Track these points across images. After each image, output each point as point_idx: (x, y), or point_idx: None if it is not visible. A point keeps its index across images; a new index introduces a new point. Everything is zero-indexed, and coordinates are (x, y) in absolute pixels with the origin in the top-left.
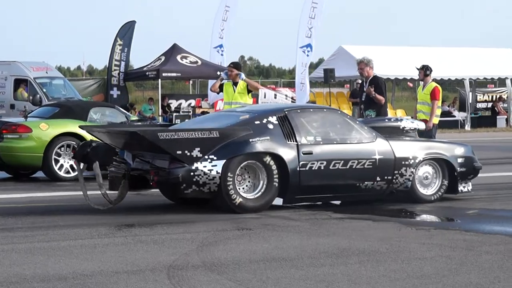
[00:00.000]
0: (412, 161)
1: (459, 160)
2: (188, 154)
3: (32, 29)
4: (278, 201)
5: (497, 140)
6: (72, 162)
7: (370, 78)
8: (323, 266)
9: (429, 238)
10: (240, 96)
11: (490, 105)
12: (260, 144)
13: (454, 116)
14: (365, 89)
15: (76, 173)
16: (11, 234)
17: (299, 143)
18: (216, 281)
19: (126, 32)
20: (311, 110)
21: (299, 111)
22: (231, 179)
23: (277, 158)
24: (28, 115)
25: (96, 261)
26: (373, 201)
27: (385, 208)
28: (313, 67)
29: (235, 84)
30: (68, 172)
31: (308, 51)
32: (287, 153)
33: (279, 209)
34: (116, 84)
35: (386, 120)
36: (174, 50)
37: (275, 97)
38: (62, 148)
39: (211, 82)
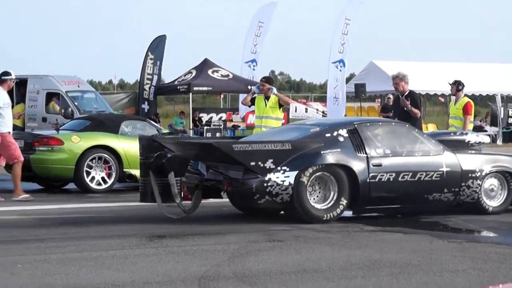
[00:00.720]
0: (479, 173)
1: None
2: (262, 165)
3: (64, 44)
4: (347, 213)
5: None
6: (103, 174)
7: (406, 93)
8: (355, 278)
9: (461, 251)
10: (271, 110)
11: None
12: (331, 156)
13: (486, 131)
14: (402, 99)
15: (107, 185)
16: (43, 244)
17: (369, 155)
18: None
19: (156, 46)
20: (380, 123)
21: (368, 124)
22: (303, 190)
23: (348, 170)
24: (60, 128)
25: (128, 271)
26: (407, 214)
27: (417, 221)
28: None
29: (266, 98)
30: (99, 184)
31: (341, 67)
32: (358, 165)
33: (310, 221)
34: (147, 98)
35: (452, 134)
36: (206, 64)
37: (306, 111)
38: (94, 160)
39: (242, 96)
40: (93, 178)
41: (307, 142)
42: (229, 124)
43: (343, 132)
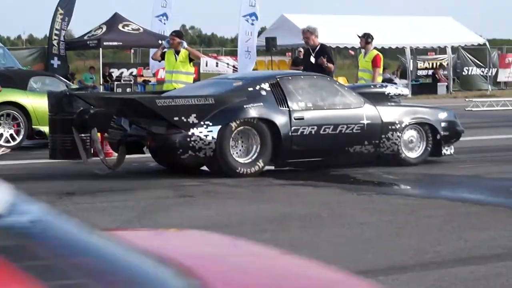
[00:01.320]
0: (398, 125)
1: (443, 124)
2: (185, 120)
3: None
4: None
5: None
6: (12, 131)
7: (317, 47)
8: (265, 232)
9: (371, 203)
10: (181, 64)
11: (431, 72)
12: (254, 110)
13: (396, 83)
14: (312, 58)
15: (16, 142)
16: None
17: (291, 109)
18: None
19: (68, 2)
20: (302, 77)
21: (290, 78)
22: (226, 144)
23: (270, 124)
24: None
25: None
26: (318, 168)
27: (327, 174)
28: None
29: (177, 52)
30: (8, 141)
31: (253, 20)
32: (280, 119)
33: (221, 176)
34: (57, 54)
35: (372, 86)
36: (116, 18)
37: (217, 66)
38: (2, 117)
39: (152, 51)
40: (1, 135)
41: (229, 96)
42: (139, 79)
43: (266, 86)
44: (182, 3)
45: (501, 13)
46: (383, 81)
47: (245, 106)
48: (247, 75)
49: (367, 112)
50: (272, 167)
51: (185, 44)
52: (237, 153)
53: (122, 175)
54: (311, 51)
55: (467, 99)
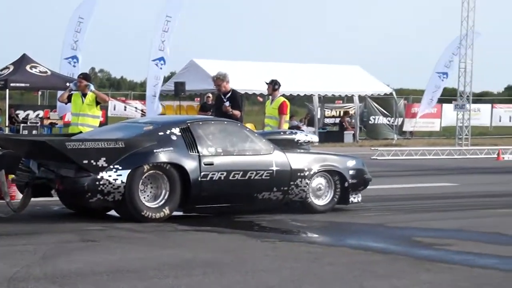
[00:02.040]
0: (307, 172)
1: (351, 172)
2: (94, 163)
3: None
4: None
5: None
6: None
7: (229, 92)
8: (167, 277)
9: (274, 250)
10: (88, 107)
11: (338, 120)
12: (164, 155)
13: (303, 131)
14: (224, 105)
15: None
16: None
17: (201, 154)
18: None
19: None
20: (212, 122)
21: (201, 123)
22: (135, 189)
23: (180, 169)
24: None
25: None
26: (224, 214)
27: (231, 220)
28: (164, 80)
29: (84, 95)
30: None
31: (161, 64)
32: (189, 164)
33: (125, 221)
34: None
35: (282, 132)
36: (24, 60)
37: (125, 109)
38: None
39: (60, 93)
40: None
41: (140, 140)
42: (46, 122)
43: (176, 130)
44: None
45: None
46: (290, 128)
47: (155, 151)
48: (158, 120)
49: (276, 159)
50: (180, 212)
51: (92, 87)
52: (145, 197)
53: (26, 218)
54: (223, 97)
55: (372, 148)
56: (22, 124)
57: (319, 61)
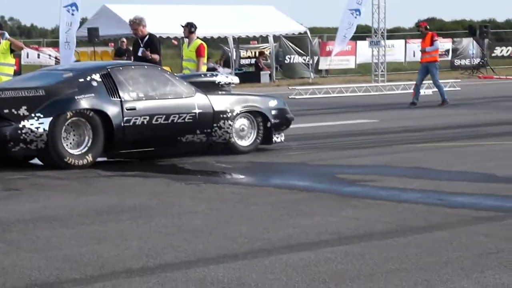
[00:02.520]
0: (230, 114)
1: (273, 112)
2: (15, 112)
3: None
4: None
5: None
6: None
7: (146, 37)
8: (94, 223)
9: (199, 193)
10: (3, 56)
11: (253, 61)
12: (85, 101)
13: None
14: (140, 50)
15: None
16: None
17: (123, 99)
18: None
19: None
20: (133, 67)
21: (121, 68)
22: (58, 136)
23: (102, 115)
24: None
25: None
26: (147, 158)
27: (155, 164)
28: None
29: None
30: None
31: (72, 10)
32: (112, 109)
33: (47, 169)
34: None
35: (202, 75)
36: None
37: (39, 57)
38: None
39: None
40: None
41: (60, 87)
42: None
43: (97, 76)
44: None
45: (321, 1)
46: (207, 71)
47: (76, 98)
48: (77, 66)
49: (198, 101)
50: (105, 158)
51: (6, 34)
52: (68, 145)
53: None
54: (140, 41)
55: (290, 87)
56: None
57: (232, 2)
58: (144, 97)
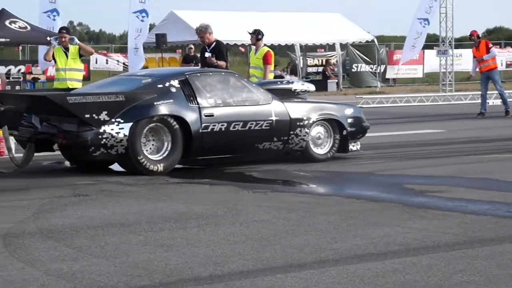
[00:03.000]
0: (306, 121)
1: (349, 120)
2: (96, 117)
3: None
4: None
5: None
6: None
7: (213, 43)
8: (162, 230)
9: (266, 201)
10: (74, 61)
11: (320, 69)
12: (164, 107)
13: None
14: (208, 57)
15: None
16: None
17: (201, 106)
18: (54, 248)
19: None
20: (210, 73)
21: (199, 74)
22: (138, 141)
23: (181, 121)
24: None
25: None
26: (214, 166)
27: (222, 172)
28: None
29: (66, 49)
30: None
31: (143, 17)
32: (190, 116)
33: (116, 174)
34: None
35: (278, 82)
36: (2, 15)
37: (107, 63)
38: None
39: (41, 48)
40: None
41: (140, 93)
42: (28, 77)
43: (175, 82)
44: None
45: (388, 10)
46: (274, 78)
47: (155, 103)
48: (156, 72)
49: (275, 109)
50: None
51: (76, 39)
52: (147, 150)
53: (16, 175)
54: (206, 48)
55: (357, 96)
56: None
57: (299, 9)
58: (221, 103)
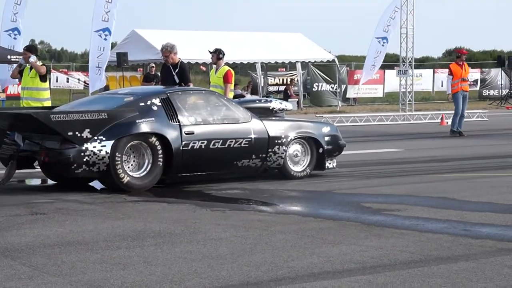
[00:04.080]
0: (284, 139)
1: (326, 138)
2: (79, 135)
3: None
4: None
5: None
6: None
7: (177, 63)
8: (119, 249)
9: (224, 219)
10: (31, 80)
11: (282, 88)
12: (146, 125)
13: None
14: (175, 76)
15: None
16: None
17: (182, 124)
18: (10, 266)
19: None
20: (191, 92)
21: (180, 93)
22: (119, 159)
23: (162, 138)
24: None
25: None
26: (172, 185)
27: (181, 190)
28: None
29: (31, 68)
30: None
31: (106, 35)
32: (171, 133)
33: (74, 192)
34: None
35: (257, 101)
36: None
37: (68, 81)
38: None
39: (1, 66)
40: None
41: (122, 111)
42: None
43: (156, 101)
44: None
45: (349, 30)
46: (234, 97)
47: (137, 121)
48: (138, 91)
49: (254, 127)
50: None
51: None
52: (129, 167)
53: None
54: (171, 68)
55: (317, 115)
56: None
57: (260, 29)
58: (202, 121)
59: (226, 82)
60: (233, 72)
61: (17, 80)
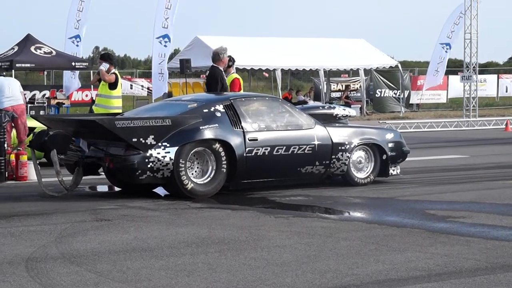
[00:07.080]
0: (348, 146)
1: (390, 144)
2: (143, 141)
3: None
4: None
5: None
6: None
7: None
8: (184, 255)
9: (288, 226)
10: (103, 88)
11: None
12: (210, 131)
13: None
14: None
15: None
16: None
17: (245, 130)
18: (75, 272)
19: None
20: (255, 98)
21: (243, 99)
22: (183, 165)
23: (225, 145)
24: None
25: None
26: (236, 191)
27: (245, 197)
28: (169, 57)
29: None
30: None
31: (165, 42)
32: (235, 140)
33: (138, 199)
34: None
35: (320, 107)
36: (28, 40)
37: (131, 88)
38: None
39: (66, 73)
40: None
41: (186, 118)
42: (53, 102)
43: (220, 107)
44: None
45: (412, 35)
46: (297, 103)
47: (201, 128)
48: (201, 97)
49: (318, 133)
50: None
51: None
52: (193, 174)
53: (37, 199)
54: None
55: (380, 121)
56: (29, 105)
57: (323, 35)
58: (265, 128)
59: (233, 90)
60: (241, 80)
61: (79, 86)
